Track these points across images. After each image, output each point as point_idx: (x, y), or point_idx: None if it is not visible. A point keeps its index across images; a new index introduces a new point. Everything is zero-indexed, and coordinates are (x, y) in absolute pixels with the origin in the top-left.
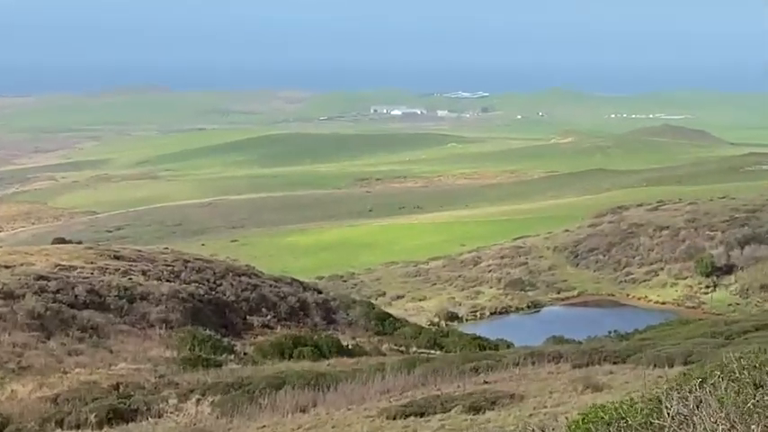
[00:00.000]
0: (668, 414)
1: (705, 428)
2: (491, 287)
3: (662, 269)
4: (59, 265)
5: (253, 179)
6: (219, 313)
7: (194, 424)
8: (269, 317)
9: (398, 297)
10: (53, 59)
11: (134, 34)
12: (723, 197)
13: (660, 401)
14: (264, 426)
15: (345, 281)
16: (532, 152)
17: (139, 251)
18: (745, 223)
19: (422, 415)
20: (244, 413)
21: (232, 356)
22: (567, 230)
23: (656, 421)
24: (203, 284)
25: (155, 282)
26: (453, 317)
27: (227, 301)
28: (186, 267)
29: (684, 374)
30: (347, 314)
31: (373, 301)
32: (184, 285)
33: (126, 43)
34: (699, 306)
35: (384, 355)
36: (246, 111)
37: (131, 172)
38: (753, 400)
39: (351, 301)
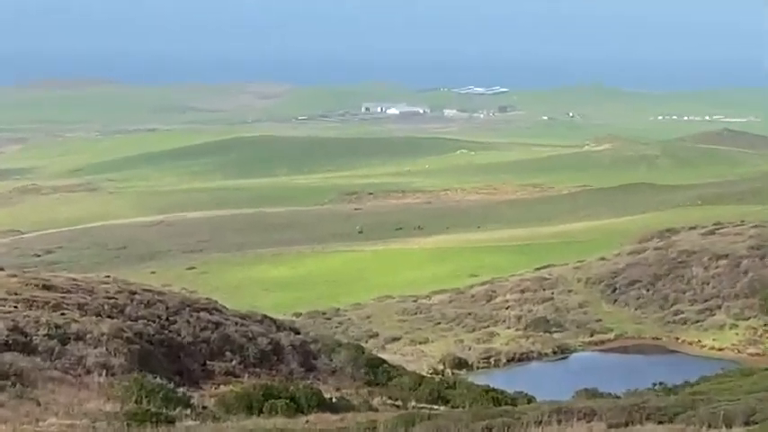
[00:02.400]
0: None
1: None
2: (508, 328)
3: (719, 307)
4: None
5: (215, 192)
6: (173, 357)
7: None
8: (234, 362)
9: (394, 339)
10: None
11: (68, 15)
12: None
13: None
14: None
15: (329, 319)
16: (561, 162)
17: (75, 280)
18: None
19: None
20: None
21: (188, 411)
22: (602, 259)
23: None
24: (153, 322)
25: (93, 318)
26: (461, 364)
27: (183, 342)
28: (132, 301)
29: None
30: (330, 360)
31: (363, 343)
32: (130, 323)
33: (58, 26)
34: (764, 353)
35: (376, 410)
36: (208, 108)
37: (65, 183)
38: None
39: (335, 344)
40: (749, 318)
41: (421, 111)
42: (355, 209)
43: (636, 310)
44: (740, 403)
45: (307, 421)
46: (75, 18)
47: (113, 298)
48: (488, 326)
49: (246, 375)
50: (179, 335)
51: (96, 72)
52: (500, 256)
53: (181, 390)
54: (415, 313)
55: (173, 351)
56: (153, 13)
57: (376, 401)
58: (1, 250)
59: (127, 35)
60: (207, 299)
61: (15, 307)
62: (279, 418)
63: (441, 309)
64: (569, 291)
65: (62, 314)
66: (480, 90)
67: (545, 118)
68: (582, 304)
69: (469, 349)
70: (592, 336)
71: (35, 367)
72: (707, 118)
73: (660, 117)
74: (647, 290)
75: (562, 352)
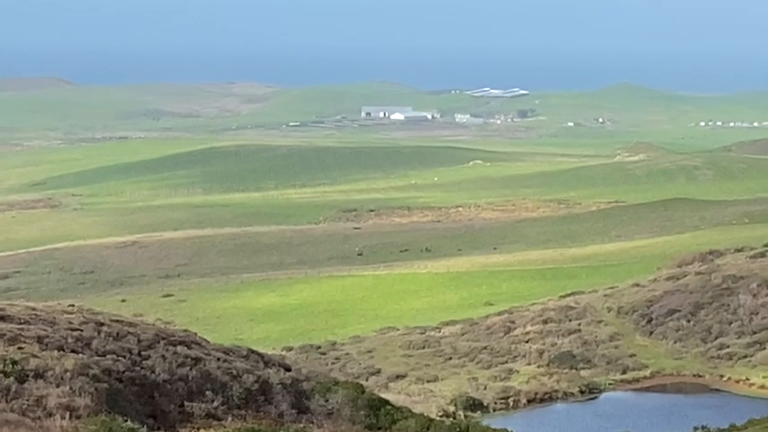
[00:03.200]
0: None
1: None
2: (529, 364)
3: None
4: None
5: (194, 209)
6: (146, 397)
7: None
8: (216, 403)
9: (399, 377)
10: None
11: (24, 8)
12: None
13: None
14: None
15: (324, 354)
16: (589, 174)
17: (33, 309)
18: None
19: None
20: None
21: None
22: (636, 285)
23: None
24: (123, 357)
25: (55, 353)
26: (475, 405)
27: (157, 380)
28: (100, 333)
29: None
30: (326, 400)
31: (363, 382)
32: (97, 358)
33: (11, 19)
34: None
35: None
36: (186, 113)
37: (22, 198)
38: None
39: (331, 383)
40: None
41: (429, 116)
42: (354, 228)
43: (675, 343)
44: None
45: None
46: (22, 11)
47: (78, 330)
48: (506, 361)
49: (230, 418)
50: (153, 372)
51: (51, 71)
52: (520, 281)
53: None
54: (423, 347)
55: (146, 390)
56: (116, 4)
57: None
58: None
59: (89, 31)
60: (185, 331)
61: None
62: None
63: (452, 342)
64: (599, 321)
65: (19, 348)
66: (497, 92)
67: (571, 124)
68: (613, 337)
69: (485, 388)
70: (624, 373)
71: None
72: (755, 124)
73: (702, 123)
74: (688, 320)
75: (590, 392)
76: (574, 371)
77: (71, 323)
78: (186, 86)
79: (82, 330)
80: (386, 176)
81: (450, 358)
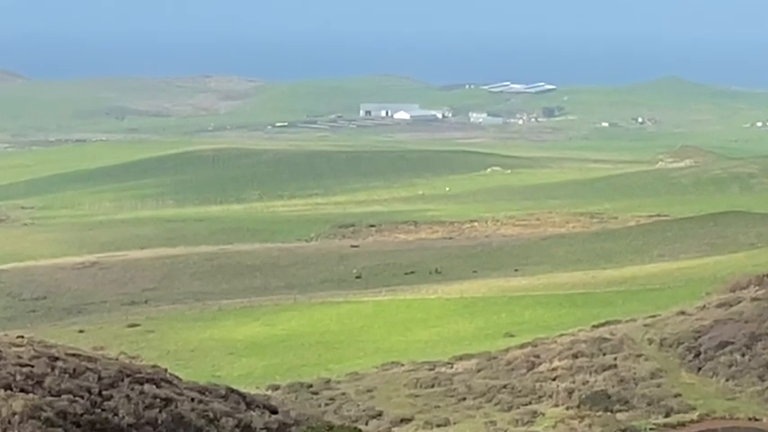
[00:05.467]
0: None
1: None
2: (556, 405)
3: None
4: None
5: (165, 224)
6: None
7: None
8: None
9: (404, 421)
10: None
11: None
12: None
13: None
14: None
15: (316, 393)
16: (626, 184)
17: None
18: None
19: None
20: None
21: None
22: (681, 313)
23: None
24: (81, 397)
25: (1, 392)
26: None
27: (121, 425)
28: (54, 369)
29: None
30: None
31: (362, 426)
32: (50, 398)
33: None
34: None
35: None
36: (155, 111)
37: None
38: None
39: (324, 427)
40: None
41: (439, 115)
42: (352, 246)
43: (727, 381)
44: None
45: None
46: None
47: (28, 365)
48: (530, 402)
49: None
50: (116, 415)
51: (1, 64)
52: (545, 309)
53: None
54: (432, 386)
55: None
56: None
57: None
58: None
59: (35, 13)
60: (153, 366)
61: None
62: None
63: (466, 380)
64: (638, 356)
65: None
66: (519, 87)
67: (605, 124)
68: (654, 374)
69: None
70: (668, 416)
71: None
72: None
73: (759, 123)
74: (743, 354)
75: None
76: (609, 414)
77: (20, 357)
78: (155, 81)
79: (33, 366)
80: (389, 186)
81: (464, 399)
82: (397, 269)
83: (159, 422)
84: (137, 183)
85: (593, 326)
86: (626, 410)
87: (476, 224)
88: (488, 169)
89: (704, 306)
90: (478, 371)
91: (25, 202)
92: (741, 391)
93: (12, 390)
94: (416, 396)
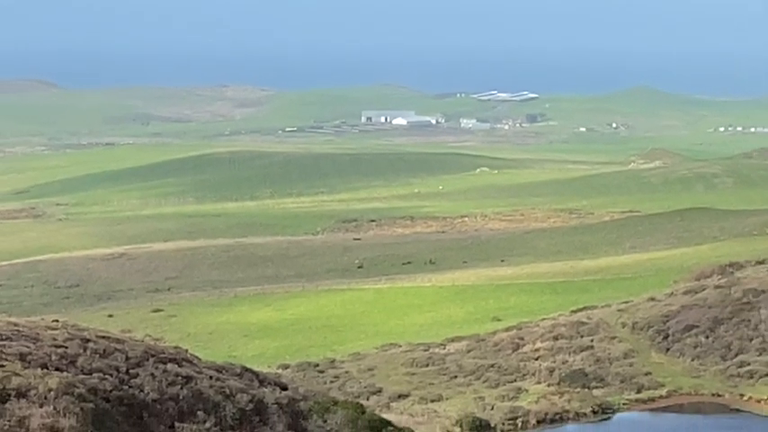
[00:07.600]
0: None
1: None
2: (539, 382)
3: None
4: None
5: (186, 219)
6: (134, 418)
7: None
8: (208, 424)
9: (401, 396)
10: None
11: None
12: None
13: None
14: None
15: (322, 372)
16: (602, 183)
17: (16, 325)
18: None
19: None
20: None
21: None
22: (651, 299)
23: None
24: (111, 375)
25: (38, 371)
26: (482, 426)
27: (146, 399)
28: (86, 350)
29: None
30: (324, 421)
31: (363, 401)
32: (82, 376)
33: None
34: None
35: None
36: (177, 117)
37: (4, 207)
38: None
39: (330, 402)
40: None
41: (433, 121)
42: (354, 239)
43: (693, 360)
44: None
45: None
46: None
47: (63, 346)
48: (515, 380)
49: None
50: (142, 391)
51: (32, 73)
52: (529, 295)
53: None
54: (427, 365)
55: (134, 410)
56: (101, 1)
57: None
58: None
59: (68, 28)
60: (175, 347)
61: None
62: None
63: (457, 359)
64: (612, 338)
65: (0, 366)
66: (505, 96)
67: (583, 129)
68: (627, 354)
69: (492, 408)
70: (639, 392)
71: None
72: None
73: (722, 128)
74: (706, 336)
75: (603, 412)
76: (586, 390)
77: (55, 339)
78: (176, 90)
79: (67, 347)
80: (388, 185)
81: (456, 377)
82: (396, 260)
83: (181, 398)
84: (160, 182)
85: (572, 311)
86: (601, 387)
87: (466, 219)
88: (477, 170)
89: (672, 293)
90: (468, 351)
91: (60, 200)
92: (705, 370)
93: (48, 368)
94: (413, 374)
